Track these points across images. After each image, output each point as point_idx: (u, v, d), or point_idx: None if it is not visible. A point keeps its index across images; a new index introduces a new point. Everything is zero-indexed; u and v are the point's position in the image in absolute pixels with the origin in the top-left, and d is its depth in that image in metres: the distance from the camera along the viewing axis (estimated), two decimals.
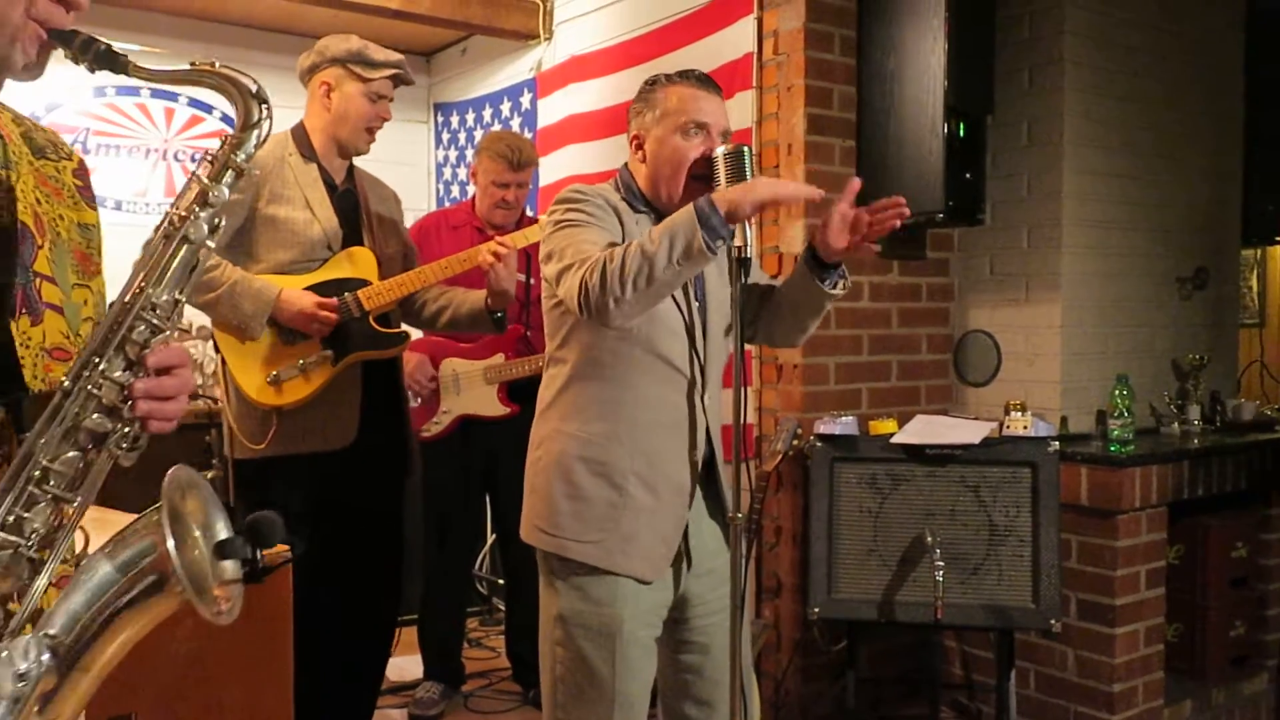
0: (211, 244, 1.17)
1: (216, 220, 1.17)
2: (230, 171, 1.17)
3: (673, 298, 2.02)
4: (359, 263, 2.76)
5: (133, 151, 4.74)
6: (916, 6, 3.25)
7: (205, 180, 1.16)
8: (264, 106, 1.19)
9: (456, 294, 2.95)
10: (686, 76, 2.07)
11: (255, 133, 1.18)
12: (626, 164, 2.14)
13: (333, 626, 2.66)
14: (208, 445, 3.53)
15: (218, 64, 1.20)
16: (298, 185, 2.69)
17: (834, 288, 2.03)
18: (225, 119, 4.90)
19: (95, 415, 1.09)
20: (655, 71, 2.13)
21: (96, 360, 1.10)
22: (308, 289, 2.66)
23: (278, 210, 2.65)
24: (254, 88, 1.19)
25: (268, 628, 1.61)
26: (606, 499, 2.00)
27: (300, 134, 2.78)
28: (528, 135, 4.61)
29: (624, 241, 1.94)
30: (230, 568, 1.10)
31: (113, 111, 4.68)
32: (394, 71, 2.77)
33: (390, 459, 2.86)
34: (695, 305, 2.06)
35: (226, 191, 1.16)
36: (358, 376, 2.73)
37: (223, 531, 1.12)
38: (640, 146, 2.08)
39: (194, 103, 4.86)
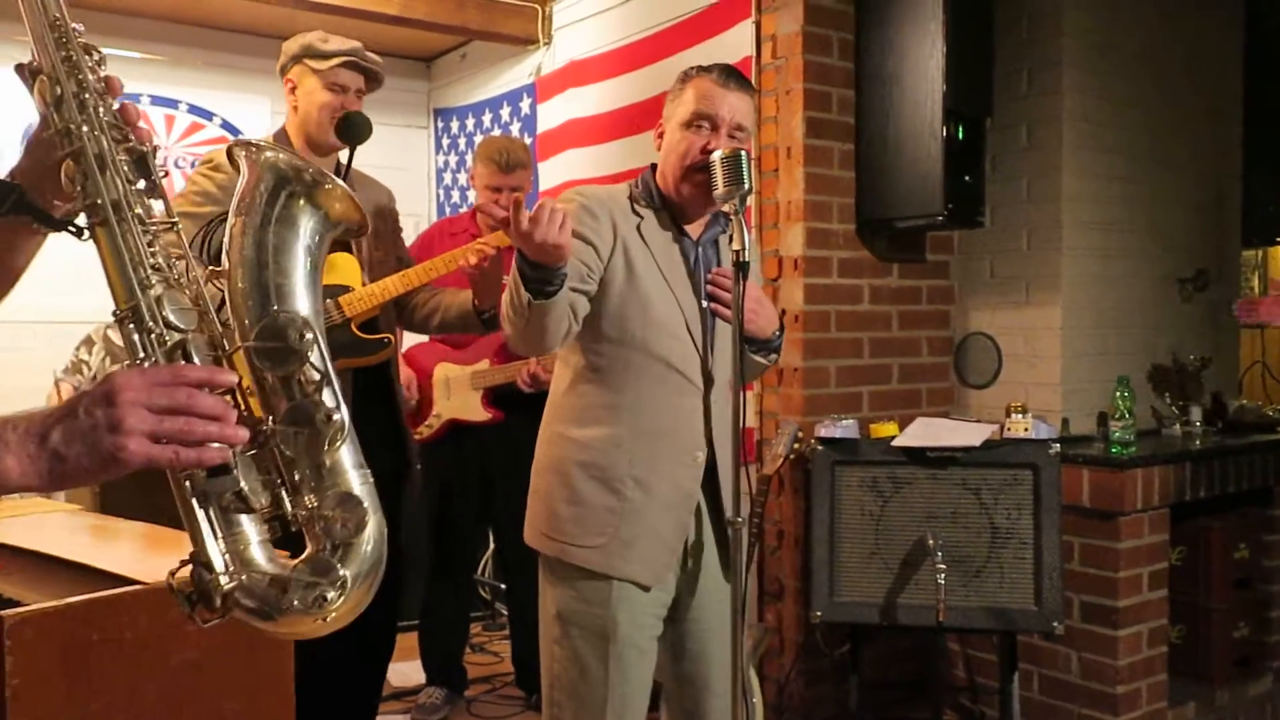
0: None
1: None
2: None
3: (675, 298, 2.02)
4: (340, 269, 2.70)
5: None
6: (915, 10, 3.25)
7: None
8: None
9: (445, 295, 2.90)
10: (710, 70, 2.06)
11: None
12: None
13: (331, 636, 2.59)
14: None
15: None
16: None
17: (765, 358, 2.14)
18: (225, 125, 4.90)
19: None
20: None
21: None
22: None
23: None
24: None
25: (267, 637, 1.60)
26: (605, 504, 1.99)
27: (282, 137, 2.76)
28: (527, 140, 4.62)
29: (613, 245, 1.99)
30: None
31: None
32: (344, 59, 2.70)
33: (386, 464, 2.78)
34: (705, 304, 2.06)
35: None
36: (347, 384, 2.65)
37: None
38: (661, 136, 2.11)
39: (193, 109, 4.86)
